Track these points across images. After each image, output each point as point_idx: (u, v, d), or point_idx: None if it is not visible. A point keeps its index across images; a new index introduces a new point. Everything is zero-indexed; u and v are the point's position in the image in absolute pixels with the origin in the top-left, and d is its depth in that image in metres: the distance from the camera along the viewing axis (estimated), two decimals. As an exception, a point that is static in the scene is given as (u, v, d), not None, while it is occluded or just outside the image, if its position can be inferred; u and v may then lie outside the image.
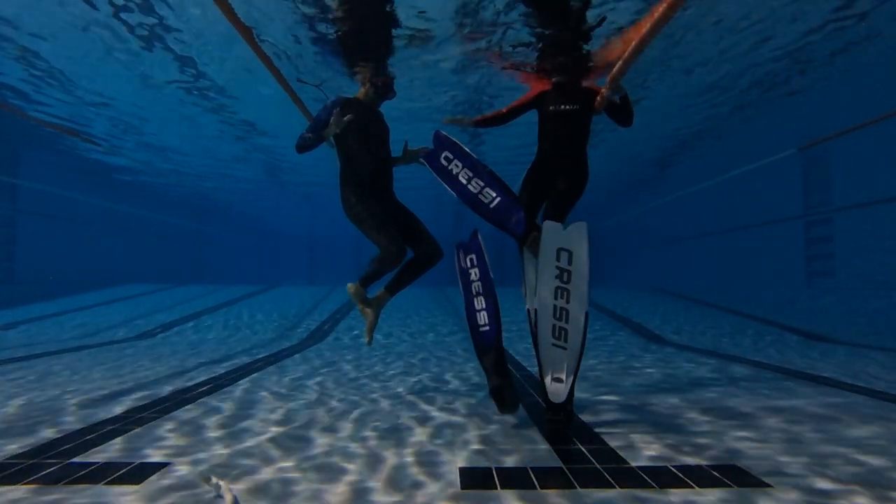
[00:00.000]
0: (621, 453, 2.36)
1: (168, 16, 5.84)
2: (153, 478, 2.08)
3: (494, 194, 3.20)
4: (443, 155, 3.40)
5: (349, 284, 3.56)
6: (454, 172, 3.34)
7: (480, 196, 3.22)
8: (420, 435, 2.70)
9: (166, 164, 13.19)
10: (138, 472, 2.13)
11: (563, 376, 2.80)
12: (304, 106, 5.17)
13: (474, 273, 3.13)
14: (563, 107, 3.53)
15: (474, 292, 3.11)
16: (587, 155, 3.60)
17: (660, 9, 2.90)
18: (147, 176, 14.44)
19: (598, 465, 2.20)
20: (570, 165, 3.51)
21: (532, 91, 3.77)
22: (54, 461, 2.27)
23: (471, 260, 3.16)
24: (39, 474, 2.11)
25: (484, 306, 3.07)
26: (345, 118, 3.33)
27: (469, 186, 3.27)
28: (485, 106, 8.19)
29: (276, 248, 31.09)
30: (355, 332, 7.79)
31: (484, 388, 3.96)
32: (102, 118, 9.52)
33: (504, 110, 3.77)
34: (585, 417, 3.02)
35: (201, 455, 2.37)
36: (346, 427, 2.85)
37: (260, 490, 1.97)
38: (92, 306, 10.97)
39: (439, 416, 3.11)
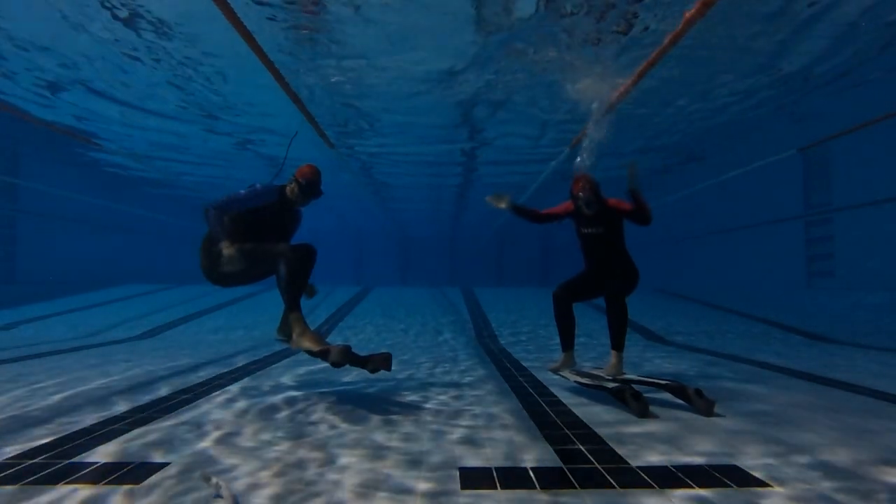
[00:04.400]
0: (621, 453, 2.36)
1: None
2: (153, 478, 2.07)
3: None
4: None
5: (294, 340, 3.37)
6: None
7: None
8: (419, 433, 2.70)
9: (184, 169, 13.27)
10: (138, 472, 2.13)
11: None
12: (303, 105, 5.20)
13: None
14: (591, 230, 3.85)
15: None
16: (628, 255, 3.88)
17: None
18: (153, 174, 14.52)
19: (598, 465, 2.20)
20: (614, 270, 3.81)
21: (567, 205, 3.97)
22: (54, 461, 2.27)
23: None
24: (39, 474, 2.11)
25: None
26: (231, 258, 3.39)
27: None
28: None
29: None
30: (362, 328, 7.78)
31: (481, 386, 3.98)
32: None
33: (541, 212, 4.00)
34: (585, 417, 3.03)
35: (202, 455, 2.37)
36: (347, 422, 2.86)
37: (261, 488, 1.97)
38: (92, 306, 10.97)
39: (438, 414, 3.12)
